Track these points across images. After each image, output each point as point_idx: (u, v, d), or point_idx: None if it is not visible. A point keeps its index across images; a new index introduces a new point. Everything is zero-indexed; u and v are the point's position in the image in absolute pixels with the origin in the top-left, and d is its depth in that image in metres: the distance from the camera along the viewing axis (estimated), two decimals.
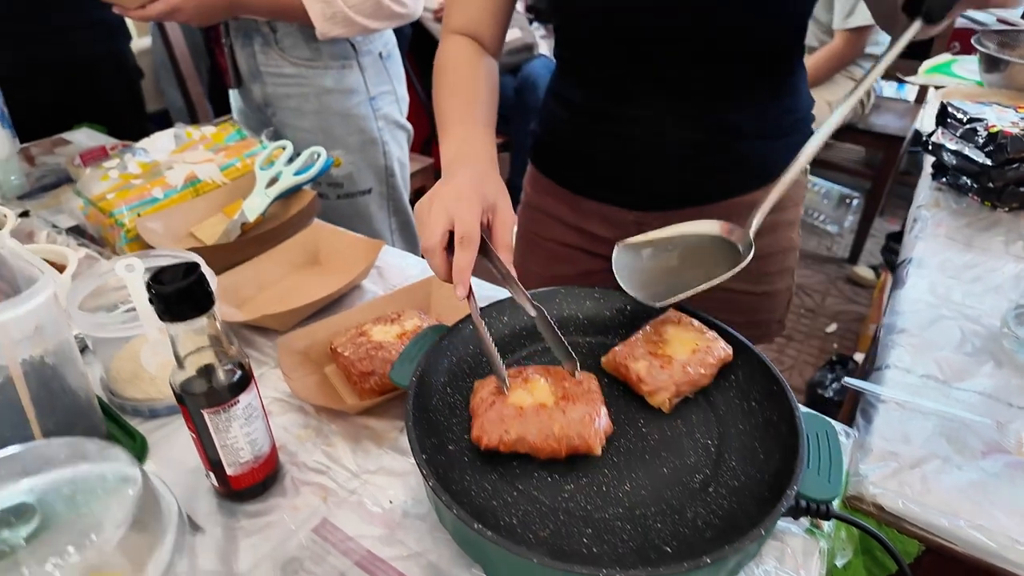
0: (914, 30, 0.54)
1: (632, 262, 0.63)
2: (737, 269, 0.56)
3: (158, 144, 1.00)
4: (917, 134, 2.51)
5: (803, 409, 0.56)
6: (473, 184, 0.58)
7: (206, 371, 0.51)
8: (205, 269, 0.67)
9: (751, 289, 0.87)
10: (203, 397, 0.50)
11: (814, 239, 2.83)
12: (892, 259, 2.12)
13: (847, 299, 2.46)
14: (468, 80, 0.73)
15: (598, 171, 0.82)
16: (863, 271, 2.52)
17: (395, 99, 1.30)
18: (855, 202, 2.86)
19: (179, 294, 0.46)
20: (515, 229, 0.60)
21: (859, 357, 1.89)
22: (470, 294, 0.56)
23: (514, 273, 0.56)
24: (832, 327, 2.31)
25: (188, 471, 0.59)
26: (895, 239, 2.17)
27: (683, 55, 0.70)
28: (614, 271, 0.62)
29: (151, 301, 0.46)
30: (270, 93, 1.21)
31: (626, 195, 0.82)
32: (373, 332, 0.70)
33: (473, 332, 0.64)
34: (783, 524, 0.54)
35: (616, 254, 0.64)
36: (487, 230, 0.58)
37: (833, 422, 0.62)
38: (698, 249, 0.62)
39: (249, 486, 0.56)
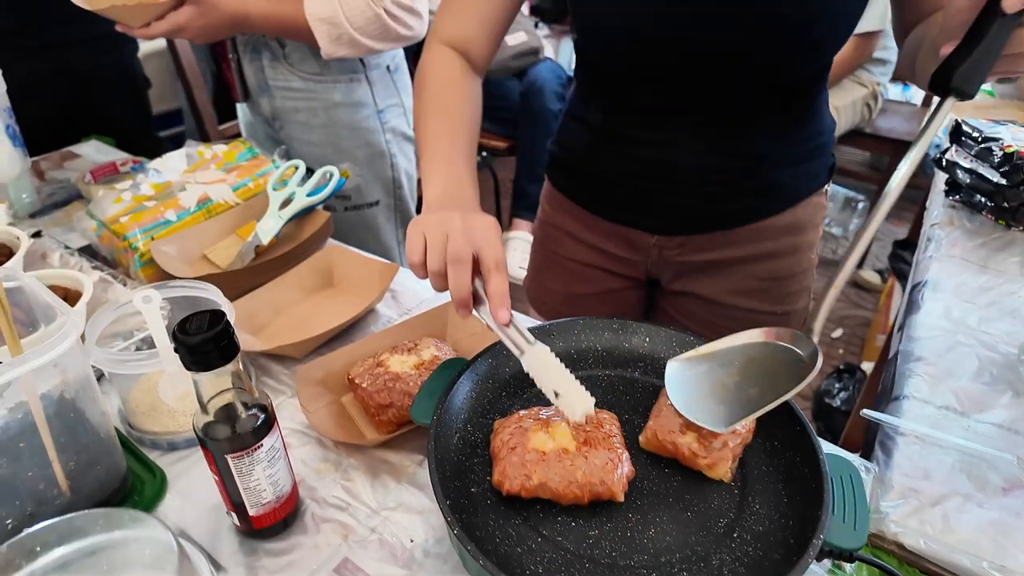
0: (947, 109, 0.51)
1: (689, 381, 0.58)
2: (806, 382, 0.52)
3: (170, 164, 1.00)
4: None
5: (826, 449, 0.55)
6: (485, 223, 0.57)
7: (228, 413, 0.50)
8: (223, 302, 0.68)
9: (772, 310, 0.87)
10: (227, 443, 0.50)
11: (819, 242, 2.82)
12: (900, 267, 2.11)
13: (853, 304, 2.45)
14: (453, 108, 0.71)
15: (618, 194, 0.82)
16: (869, 275, 2.52)
17: (403, 111, 1.30)
18: (860, 205, 2.86)
19: (205, 344, 0.46)
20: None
21: (867, 366, 1.89)
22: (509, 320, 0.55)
23: (506, 321, 0.55)
24: (838, 332, 2.31)
25: (209, 507, 0.59)
26: (902, 247, 2.16)
27: (707, 82, 0.69)
28: (668, 392, 0.58)
29: (176, 351, 0.46)
30: (278, 107, 1.21)
31: (647, 219, 0.81)
32: (390, 363, 0.69)
33: (492, 366, 0.64)
34: None
35: (669, 372, 0.59)
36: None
37: (853, 459, 0.62)
38: (757, 360, 0.57)
39: (270, 525, 0.56)
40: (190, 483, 0.63)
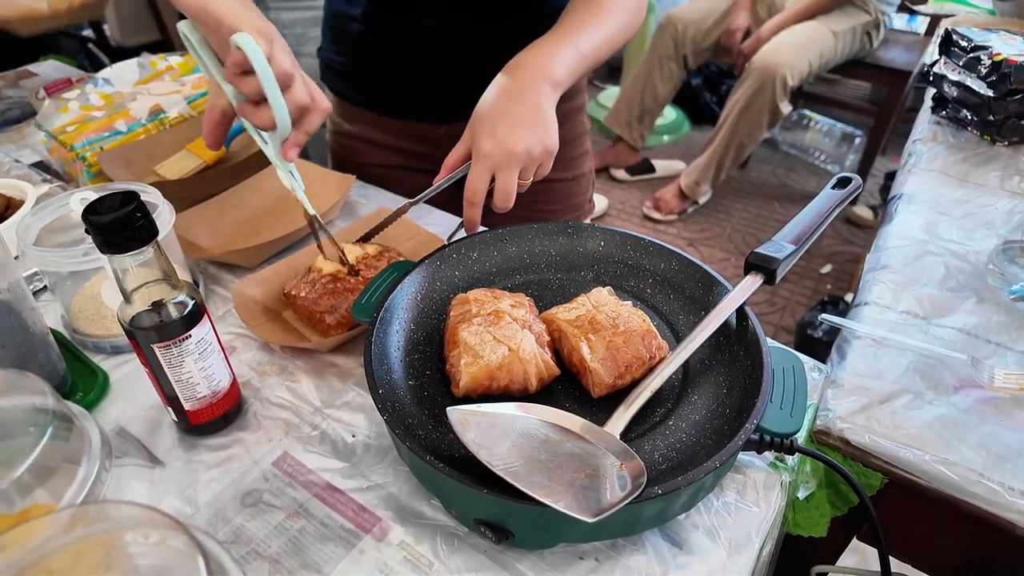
0: None
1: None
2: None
3: (121, 74, 0.96)
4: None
5: (772, 343, 0.54)
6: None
7: (155, 305, 0.49)
8: (164, 204, 0.65)
9: (564, 176, 0.93)
10: (153, 332, 0.49)
11: (814, 179, 2.77)
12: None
13: (844, 240, 2.43)
14: None
15: (394, 88, 0.83)
16: (862, 211, 2.48)
17: None
18: (858, 140, 2.79)
19: (116, 224, 0.44)
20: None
21: (851, 297, 1.88)
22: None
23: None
24: (827, 268, 2.29)
25: (151, 406, 0.59)
26: (893, 177, 2.12)
27: None
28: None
29: (87, 232, 0.44)
30: (273, 20, 1.15)
31: (428, 111, 0.83)
32: (324, 267, 0.68)
33: (439, 268, 0.63)
34: (746, 457, 0.54)
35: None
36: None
37: (803, 357, 0.61)
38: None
39: (208, 421, 0.55)
40: (134, 385, 0.62)
